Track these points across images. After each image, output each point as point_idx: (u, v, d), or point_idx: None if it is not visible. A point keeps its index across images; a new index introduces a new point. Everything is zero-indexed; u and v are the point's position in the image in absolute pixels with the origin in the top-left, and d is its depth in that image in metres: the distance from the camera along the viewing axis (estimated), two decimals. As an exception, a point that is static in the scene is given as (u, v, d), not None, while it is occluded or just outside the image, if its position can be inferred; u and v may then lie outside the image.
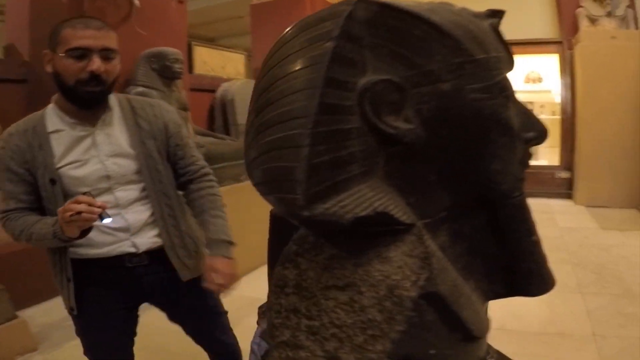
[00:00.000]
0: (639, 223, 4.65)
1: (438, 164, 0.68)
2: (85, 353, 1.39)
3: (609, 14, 5.25)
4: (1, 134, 1.32)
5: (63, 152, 1.25)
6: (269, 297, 0.75)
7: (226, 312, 1.53)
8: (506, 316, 2.54)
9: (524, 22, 5.85)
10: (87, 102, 1.24)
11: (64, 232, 1.13)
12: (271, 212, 0.87)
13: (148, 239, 1.32)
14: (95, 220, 1.10)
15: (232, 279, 1.34)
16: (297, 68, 0.59)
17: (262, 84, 0.64)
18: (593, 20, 5.33)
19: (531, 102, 6.30)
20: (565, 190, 5.96)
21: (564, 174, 6.03)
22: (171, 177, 1.38)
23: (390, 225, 0.65)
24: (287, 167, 0.57)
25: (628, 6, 5.23)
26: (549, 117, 6.30)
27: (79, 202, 1.08)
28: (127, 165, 1.29)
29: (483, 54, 0.66)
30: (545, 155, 6.43)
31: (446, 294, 0.64)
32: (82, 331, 1.37)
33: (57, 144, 1.25)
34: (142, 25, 3.39)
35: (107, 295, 1.32)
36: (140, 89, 3.21)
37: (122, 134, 1.30)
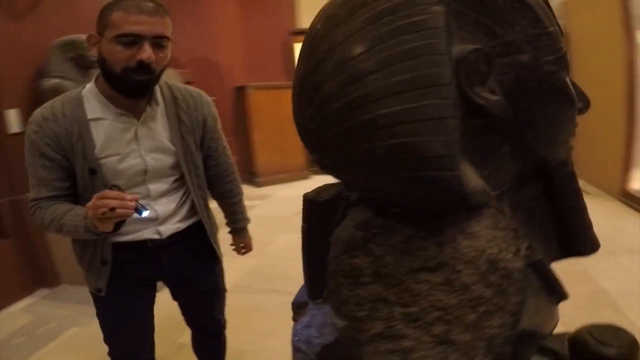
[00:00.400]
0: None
1: (512, 136, 0.67)
2: (106, 339, 1.37)
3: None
4: None
5: (104, 143, 1.18)
6: (331, 290, 0.71)
7: (226, 290, 1.58)
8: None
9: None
10: (133, 90, 1.16)
11: (96, 227, 1.06)
12: (306, 197, 0.83)
13: (171, 226, 1.33)
14: (131, 215, 1.03)
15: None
16: (402, 34, 0.54)
17: (342, 53, 0.57)
18: None
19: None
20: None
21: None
22: (203, 169, 1.40)
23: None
24: (432, 142, 0.51)
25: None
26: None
27: (108, 197, 1.01)
28: (165, 160, 1.27)
29: (552, 27, 0.66)
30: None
31: (544, 260, 0.64)
32: (107, 310, 1.34)
33: (97, 132, 1.18)
34: (53, 12, 3.15)
35: (131, 272, 1.32)
36: (54, 80, 2.94)
37: (163, 129, 1.26)
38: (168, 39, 1.14)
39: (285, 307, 1.07)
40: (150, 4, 1.11)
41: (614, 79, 4.21)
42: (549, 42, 0.65)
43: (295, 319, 0.91)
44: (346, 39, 0.58)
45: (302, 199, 0.83)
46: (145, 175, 1.24)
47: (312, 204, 0.80)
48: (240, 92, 5.61)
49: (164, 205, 1.31)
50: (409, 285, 0.65)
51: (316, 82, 0.60)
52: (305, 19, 6.25)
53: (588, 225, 0.80)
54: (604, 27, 4.32)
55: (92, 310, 1.36)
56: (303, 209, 0.82)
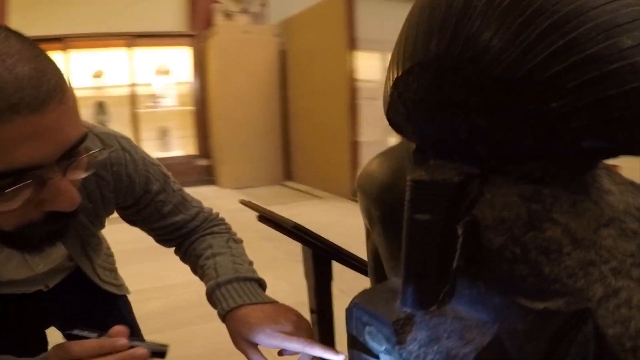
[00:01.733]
0: (290, 196, 5.42)
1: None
2: None
3: (244, 10, 5.82)
4: None
5: None
6: (523, 275, 0.65)
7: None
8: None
9: (155, 16, 5.90)
10: (39, 245, 0.66)
11: None
12: (433, 181, 0.71)
13: (58, 279, 1.04)
14: None
15: (308, 330, 0.84)
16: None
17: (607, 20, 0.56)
18: (228, 16, 5.80)
19: (161, 95, 6.36)
20: (207, 177, 6.41)
21: (203, 162, 6.44)
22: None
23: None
24: None
25: (261, 4, 5.91)
26: (183, 109, 6.56)
27: (90, 356, 0.63)
28: (61, 263, 0.97)
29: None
30: (181, 146, 6.68)
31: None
32: None
33: None
34: None
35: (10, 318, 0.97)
36: None
37: (58, 249, 0.89)
38: (85, 136, 0.60)
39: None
40: (27, 69, 0.51)
41: (337, 91, 4.82)
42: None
43: (402, 340, 0.77)
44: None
45: (413, 185, 0.73)
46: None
47: (445, 187, 0.70)
48: None
49: (54, 275, 1.01)
50: (601, 243, 0.66)
51: (572, 40, 0.56)
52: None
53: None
54: (327, 45, 4.90)
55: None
56: (423, 196, 0.71)
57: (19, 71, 0.50)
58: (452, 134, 0.71)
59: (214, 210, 1.07)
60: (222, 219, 1.07)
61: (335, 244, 1.29)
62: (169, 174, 0.97)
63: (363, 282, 0.94)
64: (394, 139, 5.54)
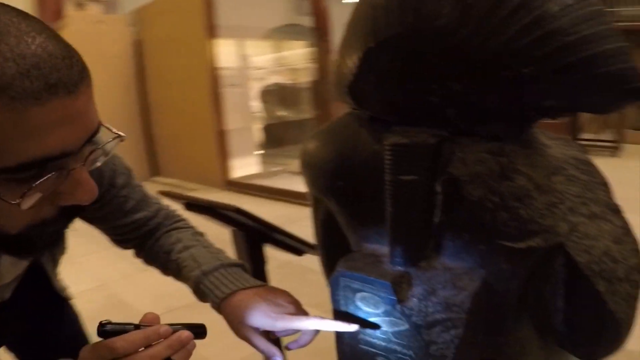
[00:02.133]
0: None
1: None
2: None
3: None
4: None
5: None
6: (505, 220, 0.73)
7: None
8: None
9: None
10: (44, 247, 0.62)
11: None
12: (413, 143, 0.76)
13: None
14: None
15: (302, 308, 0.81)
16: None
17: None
18: (80, 5, 5.37)
19: None
20: (64, 178, 5.91)
21: (57, 164, 5.95)
22: None
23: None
24: None
25: (114, -8, 5.55)
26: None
27: (133, 350, 0.57)
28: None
29: None
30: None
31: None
32: None
33: None
34: None
35: None
36: None
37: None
38: (100, 125, 0.54)
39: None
40: (58, 48, 0.48)
41: (199, 80, 4.72)
42: None
43: (403, 298, 0.82)
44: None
45: (394, 149, 0.79)
46: None
47: (424, 149, 0.77)
48: None
49: (9, 285, 0.86)
50: (555, 188, 0.77)
51: (537, 17, 0.66)
52: None
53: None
54: (185, 34, 4.76)
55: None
56: (404, 158, 0.77)
57: (51, 50, 0.46)
58: (424, 100, 0.78)
59: (171, 207, 1.03)
60: (180, 215, 1.02)
61: (274, 224, 1.29)
62: (131, 167, 0.92)
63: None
64: (257, 126, 5.58)
